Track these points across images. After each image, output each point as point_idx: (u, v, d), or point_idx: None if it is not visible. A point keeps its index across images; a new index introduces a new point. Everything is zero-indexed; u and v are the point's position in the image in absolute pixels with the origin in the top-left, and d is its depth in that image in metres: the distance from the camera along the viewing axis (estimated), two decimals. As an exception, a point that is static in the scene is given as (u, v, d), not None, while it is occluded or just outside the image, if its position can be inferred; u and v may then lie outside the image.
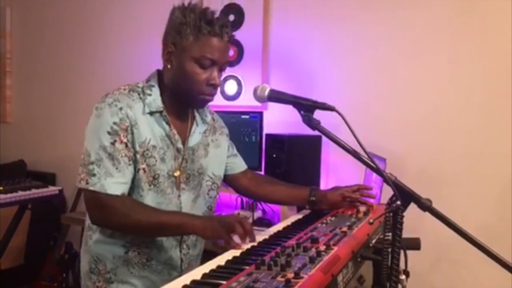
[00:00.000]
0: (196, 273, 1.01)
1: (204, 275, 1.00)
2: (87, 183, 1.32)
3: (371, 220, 1.13)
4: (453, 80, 2.32)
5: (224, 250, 1.21)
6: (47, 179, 3.49)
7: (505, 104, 2.20)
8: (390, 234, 1.08)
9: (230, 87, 2.93)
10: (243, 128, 2.65)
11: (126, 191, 1.35)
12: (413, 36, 2.41)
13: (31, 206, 3.10)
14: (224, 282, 0.89)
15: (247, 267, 0.98)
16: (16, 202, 2.69)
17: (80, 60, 3.64)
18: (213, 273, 1.02)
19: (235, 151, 1.71)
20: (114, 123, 1.34)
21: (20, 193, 2.66)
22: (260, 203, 2.66)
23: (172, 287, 0.94)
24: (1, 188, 2.66)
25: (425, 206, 1.06)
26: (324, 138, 2.48)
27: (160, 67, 1.48)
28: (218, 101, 2.40)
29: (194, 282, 0.96)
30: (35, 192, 2.76)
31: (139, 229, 1.36)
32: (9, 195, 2.60)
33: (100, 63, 3.54)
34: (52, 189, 2.88)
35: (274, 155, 2.47)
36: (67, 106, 3.71)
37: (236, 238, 1.29)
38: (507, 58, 2.19)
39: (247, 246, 1.24)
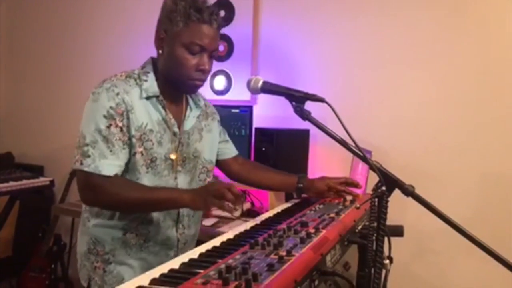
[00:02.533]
0: (193, 253, 1.07)
1: (201, 255, 1.06)
2: (81, 164, 1.35)
3: (358, 205, 1.20)
4: (436, 78, 2.39)
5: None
6: (35, 171, 3.45)
7: (486, 102, 2.28)
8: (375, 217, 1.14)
9: (220, 82, 2.96)
10: (233, 122, 2.69)
11: (119, 173, 1.38)
12: (399, 34, 2.47)
13: (20, 197, 3.08)
14: (220, 260, 0.94)
15: (241, 248, 1.04)
16: (8, 192, 2.68)
17: (69, 54, 3.63)
18: (209, 253, 1.07)
19: (227, 137, 1.76)
20: (111, 107, 1.37)
21: (12, 183, 2.66)
22: (248, 195, 2.72)
23: (170, 265, 0.98)
24: (-9, 178, 2.65)
25: (408, 191, 1.12)
26: (311, 132, 2.58)
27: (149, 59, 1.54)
28: (207, 95, 2.43)
29: (191, 260, 1.02)
30: (26, 183, 2.75)
31: (130, 206, 1.38)
32: (0, 185, 2.59)
33: (89, 57, 3.53)
34: (43, 180, 2.87)
35: (263, 149, 2.52)
36: (55, 99, 3.70)
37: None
38: (486, 57, 2.27)
39: (239, 229, 1.29)
